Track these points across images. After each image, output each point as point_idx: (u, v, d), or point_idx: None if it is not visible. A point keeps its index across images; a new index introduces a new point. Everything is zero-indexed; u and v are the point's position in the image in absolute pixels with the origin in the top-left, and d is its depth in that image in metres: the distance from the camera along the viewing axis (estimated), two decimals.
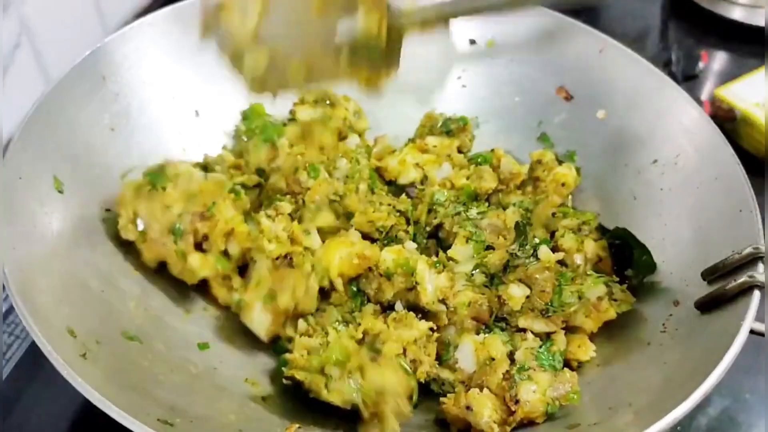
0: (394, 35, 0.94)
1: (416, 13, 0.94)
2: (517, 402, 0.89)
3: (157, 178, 1.03)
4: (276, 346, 1.02)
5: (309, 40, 0.93)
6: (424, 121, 1.27)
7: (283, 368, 0.95)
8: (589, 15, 1.53)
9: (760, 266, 0.89)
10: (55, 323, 0.83)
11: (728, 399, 1.06)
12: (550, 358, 0.94)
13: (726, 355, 0.82)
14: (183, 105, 1.20)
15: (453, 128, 1.24)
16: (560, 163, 1.19)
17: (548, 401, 0.90)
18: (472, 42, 1.31)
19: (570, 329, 1.01)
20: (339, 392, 0.90)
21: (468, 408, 0.89)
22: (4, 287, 0.81)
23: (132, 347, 0.92)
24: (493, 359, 0.94)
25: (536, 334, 0.99)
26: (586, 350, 0.99)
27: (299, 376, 0.92)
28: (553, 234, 1.10)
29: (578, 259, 1.04)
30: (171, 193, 1.02)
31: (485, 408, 0.89)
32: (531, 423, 0.91)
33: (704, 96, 1.52)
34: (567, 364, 0.98)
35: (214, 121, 1.23)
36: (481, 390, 0.91)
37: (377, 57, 0.94)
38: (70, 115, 1.04)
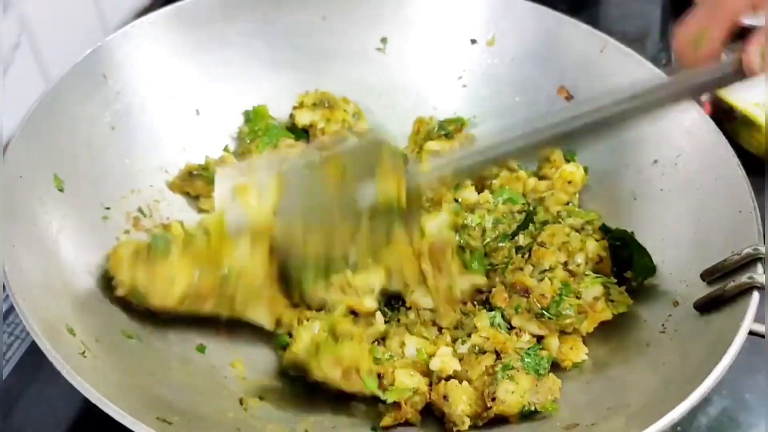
0: (413, 195, 0.95)
1: (433, 171, 0.95)
2: (493, 399, 0.90)
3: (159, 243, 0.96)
4: (276, 342, 1.02)
5: (327, 212, 0.95)
6: (416, 128, 1.26)
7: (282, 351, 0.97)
8: (589, 15, 1.54)
9: (760, 267, 0.89)
10: (54, 322, 0.82)
11: (728, 399, 1.06)
12: (536, 362, 0.94)
13: (725, 357, 0.82)
14: (183, 104, 1.20)
15: (451, 130, 1.23)
16: (568, 161, 1.20)
17: (525, 404, 0.90)
18: (473, 41, 1.31)
19: (564, 330, 1.01)
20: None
21: (445, 397, 0.91)
22: (4, 287, 0.81)
23: (131, 346, 0.92)
24: (484, 352, 0.96)
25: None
26: (578, 352, 0.99)
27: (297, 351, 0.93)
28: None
29: (579, 258, 1.04)
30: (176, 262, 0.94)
31: (460, 400, 0.90)
32: (505, 421, 0.92)
33: (704, 96, 1.52)
34: (559, 366, 0.99)
35: (215, 121, 1.23)
36: (461, 382, 0.92)
37: (397, 219, 0.95)
38: (70, 113, 1.04)
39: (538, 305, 0.98)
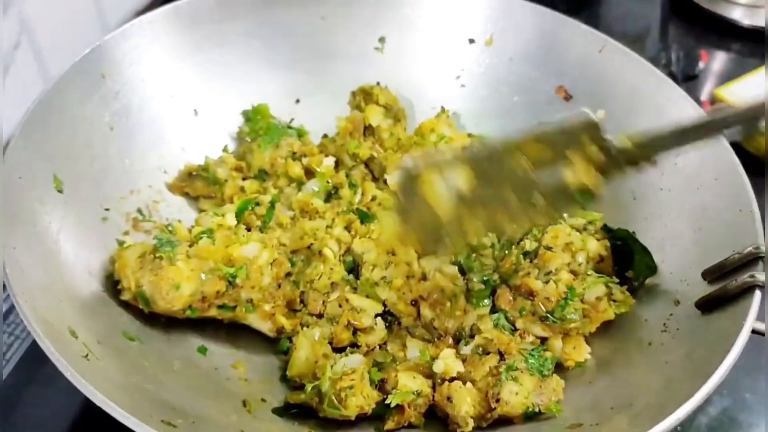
0: (613, 174, 0.90)
1: (633, 151, 0.89)
2: (498, 400, 0.90)
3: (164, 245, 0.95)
4: (277, 346, 1.02)
5: (508, 197, 0.89)
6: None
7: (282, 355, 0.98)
8: (589, 15, 1.54)
9: (761, 266, 0.89)
10: (56, 324, 0.82)
11: (728, 399, 1.06)
12: (540, 363, 0.94)
13: (728, 355, 0.82)
14: (182, 104, 1.20)
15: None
16: None
17: (529, 405, 0.90)
18: (471, 41, 1.31)
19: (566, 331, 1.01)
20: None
21: (448, 399, 0.91)
22: (4, 287, 0.81)
23: (133, 348, 0.92)
24: (488, 353, 0.95)
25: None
26: (581, 351, 0.99)
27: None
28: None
29: (580, 257, 1.04)
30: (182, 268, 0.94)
31: (464, 402, 0.91)
32: (509, 422, 0.92)
33: (704, 96, 1.52)
34: (562, 366, 0.99)
35: (214, 120, 1.23)
36: (465, 383, 0.92)
37: (586, 200, 0.90)
38: (70, 113, 1.04)
39: (543, 309, 0.98)
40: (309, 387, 0.92)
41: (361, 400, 0.90)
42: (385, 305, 1.02)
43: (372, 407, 0.91)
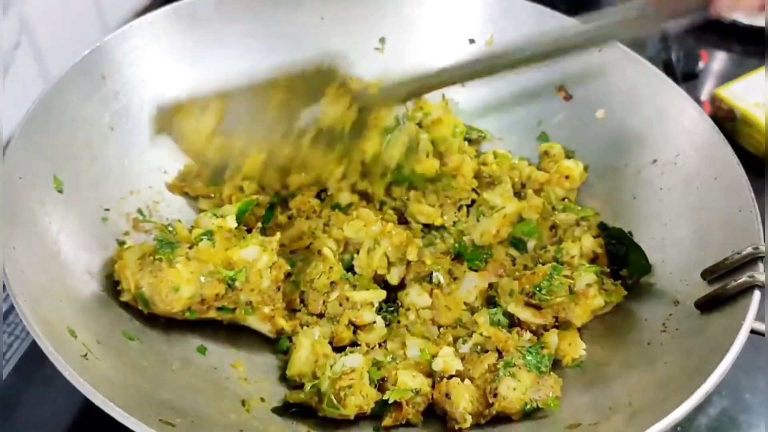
0: (360, 115, 0.97)
1: (383, 93, 0.98)
2: (495, 395, 0.90)
3: (164, 247, 0.95)
4: (277, 346, 1.02)
5: (268, 132, 0.96)
6: None
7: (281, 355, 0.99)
8: (588, 15, 1.53)
9: (760, 266, 0.89)
10: (55, 324, 0.82)
11: (728, 399, 1.06)
12: (538, 360, 0.95)
13: (727, 355, 0.82)
14: None
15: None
16: (568, 157, 1.21)
17: (526, 401, 0.91)
18: (472, 41, 1.31)
19: (561, 325, 1.02)
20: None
21: (447, 395, 0.92)
22: (4, 287, 0.81)
23: (132, 347, 0.92)
24: (486, 350, 0.96)
25: (532, 332, 1.00)
26: (576, 347, 1.00)
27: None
28: (552, 228, 1.11)
29: (573, 250, 1.04)
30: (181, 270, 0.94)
31: (462, 398, 0.91)
32: (507, 420, 0.92)
33: (704, 96, 1.52)
34: (560, 364, 0.99)
35: None
36: (463, 380, 0.93)
37: (341, 138, 0.97)
38: (70, 114, 1.04)
39: (530, 286, 1.00)
40: (308, 386, 0.92)
41: (360, 399, 0.90)
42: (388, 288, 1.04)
43: (371, 406, 0.91)
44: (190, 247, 0.96)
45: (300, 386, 0.95)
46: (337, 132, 0.96)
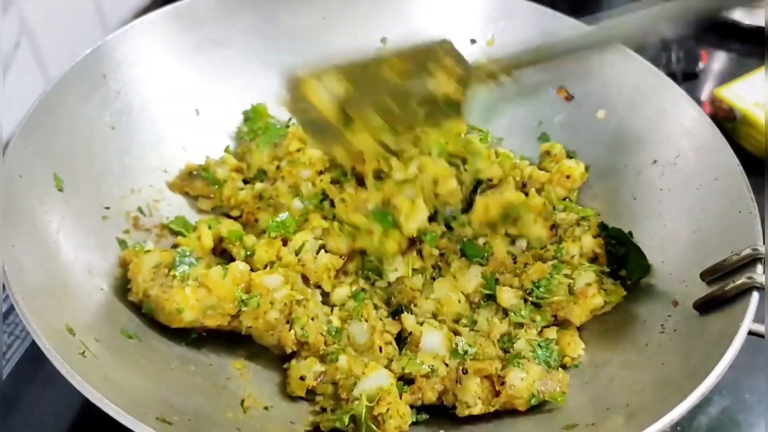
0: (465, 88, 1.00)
1: (488, 66, 1.00)
2: (503, 383, 0.92)
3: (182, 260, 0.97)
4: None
5: (388, 104, 1.00)
6: None
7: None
8: (589, 15, 1.53)
9: (759, 267, 0.89)
10: (54, 322, 0.83)
11: (728, 399, 1.06)
12: (548, 354, 0.96)
13: (724, 357, 0.82)
14: (183, 104, 1.20)
15: None
16: (570, 157, 1.21)
17: (534, 392, 0.92)
18: (473, 41, 1.31)
19: (560, 324, 1.02)
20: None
21: (457, 381, 0.93)
22: (4, 287, 0.81)
23: (131, 345, 0.92)
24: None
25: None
26: (575, 347, 1.00)
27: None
28: (553, 227, 1.12)
29: (573, 250, 1.04)
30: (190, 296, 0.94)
31: (473, 382, 0.93)
32: (514, 411, 0.93)
33: (704, 96, 1.52)
34: (562, 365, 0.99)
35: (215, 120, 1.23)
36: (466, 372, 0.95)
37: (452, 110, 1.00)
38: (70, 113, 1.04)
39: (528, 283, 1.02)
40: (341, 413, 0.91)
41: (398, 420, 0.90)
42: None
43: (408, 424, 0.92)
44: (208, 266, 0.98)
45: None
46: (449, 103, 1.00)
